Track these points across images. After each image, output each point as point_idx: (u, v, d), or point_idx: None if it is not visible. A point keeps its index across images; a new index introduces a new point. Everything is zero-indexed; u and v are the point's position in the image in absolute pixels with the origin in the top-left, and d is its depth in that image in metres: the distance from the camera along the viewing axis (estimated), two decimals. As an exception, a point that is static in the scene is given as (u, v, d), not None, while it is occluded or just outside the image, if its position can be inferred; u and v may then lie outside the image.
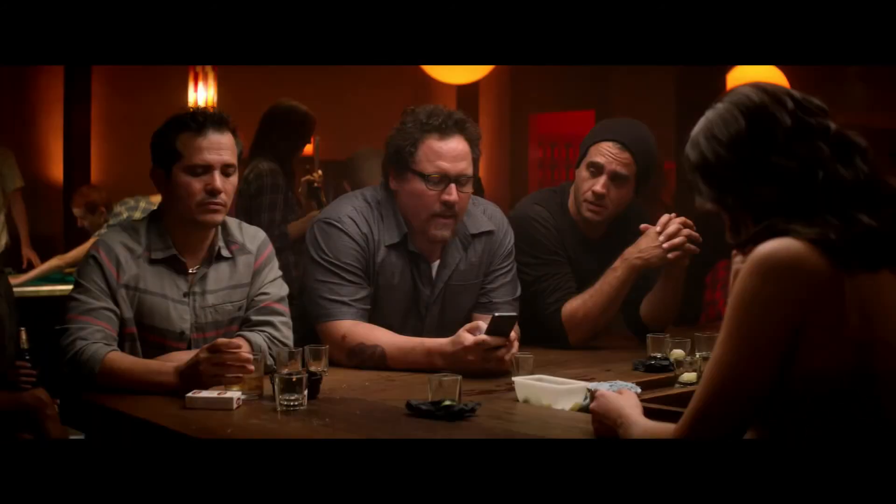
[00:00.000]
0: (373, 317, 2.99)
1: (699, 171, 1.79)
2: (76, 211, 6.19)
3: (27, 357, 3.27)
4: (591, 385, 2.30)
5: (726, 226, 1.81)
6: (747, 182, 1.72)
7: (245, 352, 2.42)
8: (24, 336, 3.32)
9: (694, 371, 2.60)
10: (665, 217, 3.18)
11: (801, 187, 1.68)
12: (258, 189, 4.83)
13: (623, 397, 2.01)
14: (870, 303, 1.63)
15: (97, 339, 2.53)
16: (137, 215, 5.78)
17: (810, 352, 1.61)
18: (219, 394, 2.32)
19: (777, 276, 1.61)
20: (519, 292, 3.21)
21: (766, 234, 1.68)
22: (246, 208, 4.81)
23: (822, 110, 1.75)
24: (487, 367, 2.70)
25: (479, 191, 5.35)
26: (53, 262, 6.11)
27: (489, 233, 3.16)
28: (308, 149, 5.35)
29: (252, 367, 2.39)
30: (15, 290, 3.16)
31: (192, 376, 2.40)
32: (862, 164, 1.71)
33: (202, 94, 7.43)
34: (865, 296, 1.63)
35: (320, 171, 5.30)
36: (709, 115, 1.79)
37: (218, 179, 2.64)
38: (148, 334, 2.67)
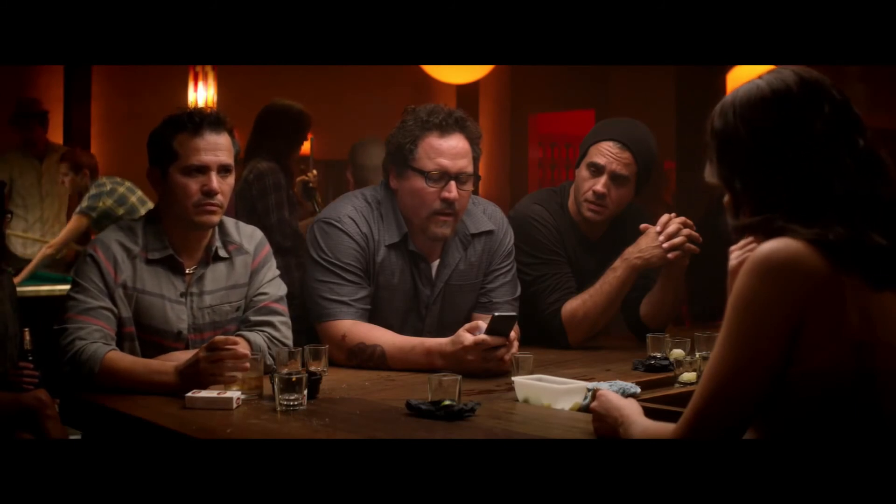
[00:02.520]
0: (373, 317, 2.99)
1: (717, 140, 1.76)
2: (62, 167, 6.16)
3: (30, 358, 3.27)
4: (591, 385, 2.30)
5: (727, 206, 1.78)
6: (760, 171, 1.70)
7: (242, 348, 2.42)
8: (27, 337, 3.32)
9: (694, 371, 2.60)
10: (665, 217, 3.18)
11: (814, 194, 1.66)
12: (261, 190, 4.80)
13: (624, 398, 2.01)
14: (870, 304, 1.62)
15: (96, 338, 2.53)
16: (108, 202, 5.82)
17: (810, 352, 1.61)
18: (218, 394, 2.32)
19: (776, 277, 1.61)
20: (519, 292, 3.21)
21: (763, 228, 1.67)
22: (249, 210, 4.78)
23: (858, 120, 1.71)
24: (487, 367, 2.70)
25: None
26: (43, 251, 6.11)
27: (489, 232, 3.16)
28: (304, 148, 5.34)
29: (247, 364, 2.39)
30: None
31: (192, 375, 2.40)
32: (882, 183, 1.68)
33: (202, 93, 7.44)
34: (866, 297, 1.62)
35: (315, 171, 5.29)
36: (749, 89, 1.74)
37: (215, 180, 2.64)
38: (145, 334, 2.67)
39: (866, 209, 1.65)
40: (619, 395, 2.03)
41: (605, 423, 1.98)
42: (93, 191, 5.94)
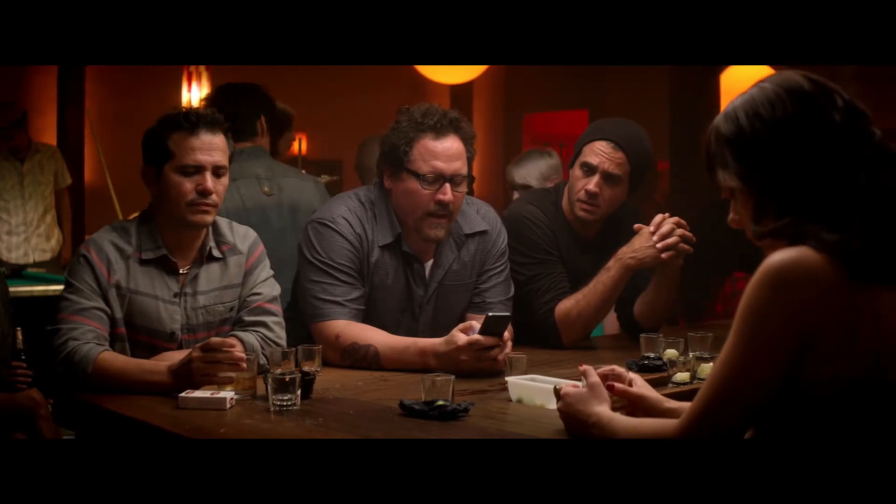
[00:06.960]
0: (367, 317, 2.98)
1: (731, 144, 1.71)
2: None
3: (23, 357, 3.26)
4: (559, 383, 2.26)
5: (747, 215, 1.73)
6: (783, 169, 1.66)
7: (238, 351, 2.42)
8: (19, 336, 3.31)
9: (687, 371, 2.60)
10: (659, 217, 3.18)
11: (839, 186, 1.63)
12: None
13: (588, 392, 1.97)
14: (887, 313, 1.59)
15: (89, 339, 2.52)
16: None
17: (821, 360, 1.59)
18: (212, 394, 2.31)
19: (785, 288, 1.58)
20: (512, 292, 3.21)
21: (788, 231, 1.64)
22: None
23: (867, 115, 1.69)
24: (481, 367, 2.70)
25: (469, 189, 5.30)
26: None
27: (483, 232, 3.16)
28: (293, 148, 5.31)
29: (245, 366, 2.39)
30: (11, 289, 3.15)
31: (185, 375, 2.39)
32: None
33: (196, 93, 7.41)
34: (883, 307, 1.59)
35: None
36: (753, 92, 1.71)
37: (209, 180, 2.63)
38: (138, 335, 2.66)
39: (887, 203, 1.62)
40: (584, 392, 1.98)
41: (574, 423, 1.97)
42: None
